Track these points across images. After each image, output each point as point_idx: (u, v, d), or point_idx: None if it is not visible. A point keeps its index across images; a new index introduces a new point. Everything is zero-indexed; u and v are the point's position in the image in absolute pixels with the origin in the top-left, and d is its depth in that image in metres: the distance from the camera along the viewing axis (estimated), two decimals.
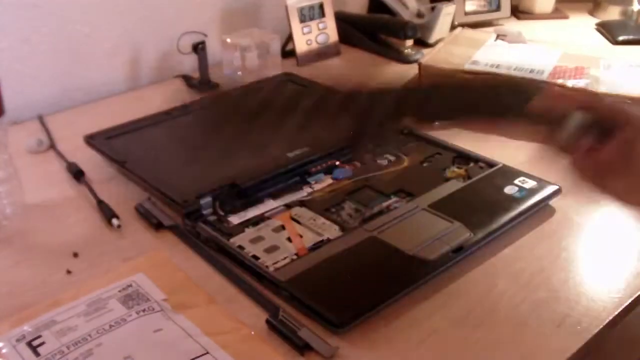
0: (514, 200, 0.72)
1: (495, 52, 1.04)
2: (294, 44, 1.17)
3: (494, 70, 0.97)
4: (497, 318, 0.59)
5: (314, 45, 1.19)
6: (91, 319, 0.57)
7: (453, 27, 1.26)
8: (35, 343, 0.54)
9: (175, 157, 0.82)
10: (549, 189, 0.74)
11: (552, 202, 0.74)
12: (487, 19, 1.33)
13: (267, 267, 0.63)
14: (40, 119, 0.97)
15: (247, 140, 0.66)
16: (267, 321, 0.57)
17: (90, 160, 0.84)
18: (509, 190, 0.73)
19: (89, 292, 0.60)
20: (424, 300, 0.61)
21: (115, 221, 0.72)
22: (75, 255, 0.68)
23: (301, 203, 0.73)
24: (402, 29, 1.17)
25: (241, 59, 1.08)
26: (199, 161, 0.81)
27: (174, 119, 0.91)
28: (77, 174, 0.81)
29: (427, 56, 1.03)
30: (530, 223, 0.71)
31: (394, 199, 0.74)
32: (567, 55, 1.02)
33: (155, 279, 0.62)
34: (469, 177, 0.77)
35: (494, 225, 0.68)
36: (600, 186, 0.57)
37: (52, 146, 0.90)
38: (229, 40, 1.09)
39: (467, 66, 0.98)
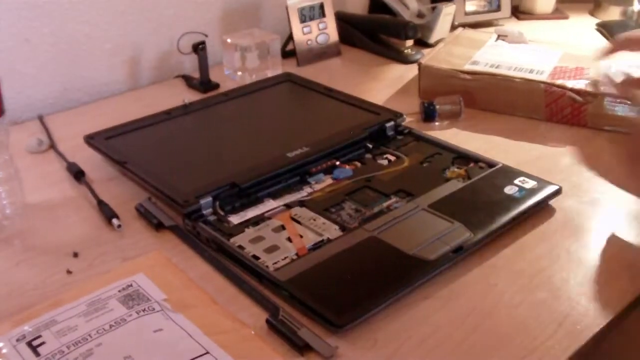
0: (514, 200, 0.72)
1: (496, 53, 1.04)
2: (294, 44, 1.17)
3: (493, 70, 0.97)
4: (497, 318, 0.59)
5: (314, 46, 1.19)
6: (91, 319, 0.57)
7: (453, 28, 1.26)
8: (35, 343, 0.54)
9: (175, 157, 0.82)
10: (549, 189, 0.74)
11: (553, 202, 0.74)
12: (487, 19, 1.33)
13: (267, 267, 0.63)
14: (41, 119, 0.97)
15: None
16: (267, 321, 0.57)
17: (90, 161, 0.84)
18: (509, 190, 0.73)
19: (89, 292, 0.60)
20: (423, 300, 0.61)
21: (115, 221, 0.72)
22: (76, 255, 0.68)
23: (301, 203, 0.73)
24: (402, 29, 1.17)
25: (241, 59, 1.08)
26: (199, 161, 0.81)
27: (174, 119, 0.91)
28: (78, 174, 0.81)
29: (427, 56, 1.03)
30: (531, 223, 0.71)
31: (394, 199, 0.74)
32: (568, 55, 1.02)
33: (156, 279, 0.62)
34: (469, 177, 0.77)
35: (494, 226, 0.68)
36: (626, 169, 0.68)
37: (53, 146, 0.90)
38: (229, 40, 1.09)
39: (467, 66, 0.98)
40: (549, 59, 1.01)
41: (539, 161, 0.83)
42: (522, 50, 1.05)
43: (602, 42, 1.26)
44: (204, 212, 0.71)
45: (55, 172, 0.84)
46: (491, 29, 1.17)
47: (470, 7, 1.32)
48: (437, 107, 0.93)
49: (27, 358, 0.53)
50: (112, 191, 0.78)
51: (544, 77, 0.94)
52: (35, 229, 0.73)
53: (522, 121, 0.94)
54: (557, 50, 1.04)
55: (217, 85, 1.08)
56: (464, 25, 1.20)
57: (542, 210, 0.73)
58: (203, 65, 1.06)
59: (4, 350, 0.54)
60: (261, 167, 0.76)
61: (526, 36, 1.11)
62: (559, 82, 0.92)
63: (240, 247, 0.66)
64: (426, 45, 1.23)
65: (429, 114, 0.93)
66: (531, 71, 0.96)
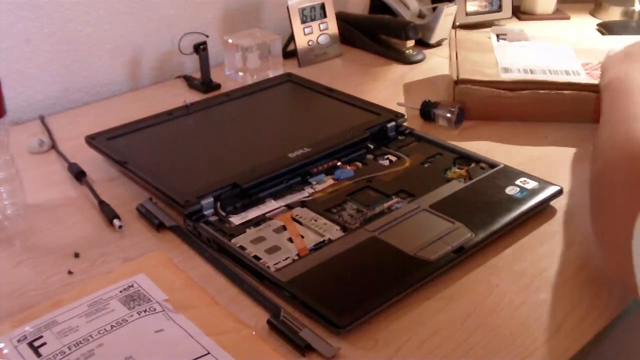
0: (515, 201, 0.72)
1: (515, 54, 1.00)
2: (295, 45, 1.17)
3: (529, 76, 0.93)
4: (498, 319, 0.59)
5: (316, 46, 1.19)
6: (92, 319, 0.57)
7: (454, 28, 1.25)
8: (36, 343, 0.54)
9: (176, 157, 0.82)
10: (551, 190, 0.74)
11: (554, 203, 0.74)
12: (488, 20, 1.33)
13: (268, 267, 0.63)
14: (42, 120, 0.97)
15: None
16: (269, 321, 0.57)
17: (91, 161, 0.84)
18: (510, 190, 0.73)
19: (90, 292, 0.60)
20: (425, 301, 0.61)
21: (116, 222, 0.72)
22: (77, 255, 0.68)
23: (302, 203, 0.73)
24: (403, 30, 1.17)
25: (242, 60, 1.08)
26: (200, 161, 0.81)
27: (175, 119, 0.91)
28: (79, 174, 0.81)
29: (456, 70, 0.96)
30: (532, 224, 0.71)
31: (395, 199, 0.74)
32: (579, 51, 0.99)
33: (157, 279, 0.62)
34: (470, 178, 0.77)
35: (495, 226, 0.68)
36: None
37: (54, 147, 0.90)
38: (230, 40, 1.09)
39: (503, 75, 0.93)
40: (568, 56, 0.99)
41: (541, 162, 0.83)
42: (536, 49, 1.02)
43: (604, 42, 1.26)
44: (205, 212, 0.71)
45: (56, 172, 0.84)
46: (487, 29, 1.16)
47: (471, 7, 1.32)
48: (437, 112, 0.93)
49: (28, 358, 0.53)
50: (113, 192, 0.78)
51: (582, 79, 0.91)
52: (36, 229, 0.73)
53: (523, 122, 0.94)
54: (565, 46, 1.02)
55: (218, 86, 1.08)
56: (462, 27, 1.18)
57: (544, 210, 0.73)
58: (204, 66, 1.06)
59: (5, 351, 0.54)
60: (262, 168, 0.76)
61: (526, 33, 1.11)
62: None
63: (241, 247, 0.66)
64: (427, 45, 1.23)
65: (424, 113, 0.93)
66: (567, 73, 0.93)
